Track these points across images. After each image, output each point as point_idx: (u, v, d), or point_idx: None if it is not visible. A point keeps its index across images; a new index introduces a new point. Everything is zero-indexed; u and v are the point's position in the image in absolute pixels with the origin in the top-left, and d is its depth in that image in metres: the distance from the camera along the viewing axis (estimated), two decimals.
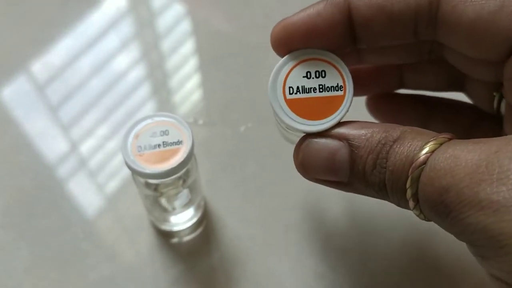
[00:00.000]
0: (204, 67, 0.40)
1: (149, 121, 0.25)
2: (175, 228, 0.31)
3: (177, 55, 0.41)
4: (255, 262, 0.30)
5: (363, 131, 0.17)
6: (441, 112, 0.25)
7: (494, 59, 0.18)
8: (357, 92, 0.22)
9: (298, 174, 0.20)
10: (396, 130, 0.17)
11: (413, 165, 0.16)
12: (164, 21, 0.43)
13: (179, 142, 0.25)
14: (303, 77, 0.20)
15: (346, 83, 0.19)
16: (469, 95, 0.24)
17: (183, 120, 0.25)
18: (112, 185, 0.34)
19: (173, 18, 0.43)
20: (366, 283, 0.30)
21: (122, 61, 0.40)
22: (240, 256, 0.31)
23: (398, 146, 0.17)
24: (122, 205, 0.33)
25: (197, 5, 0.44)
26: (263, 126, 0.35)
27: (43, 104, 0.37)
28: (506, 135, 0.16)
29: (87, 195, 0.33)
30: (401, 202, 0.17)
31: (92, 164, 0.35)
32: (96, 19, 0.42)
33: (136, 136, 0.25)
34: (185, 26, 0.42)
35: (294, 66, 0.20)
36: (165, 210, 0.30)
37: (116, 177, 0.34)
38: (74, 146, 0.35)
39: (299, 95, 0.19)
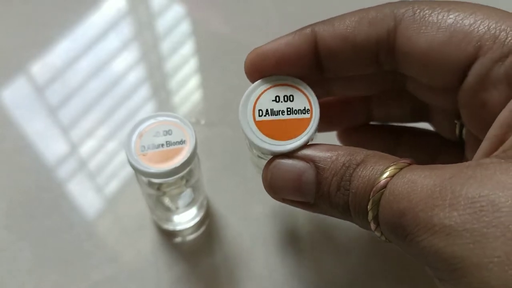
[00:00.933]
0: (203, 68, 0.40)
1: (152, 120, 0.26)
2: (178, 228, 0.31)
3: (177, 56, 0.41)
4: (257, 261, 0.31)
5: (328, 154, 0.18)
6: (408, 140, 0.26)
7: (447, 87, 0.19)
8: (327, 128, 0.25)
9: None
10: (360, 153, 0.18)
11: (374, 188, 0.16)
12: (163, 22, 0.43)
13: (182, 142, 0.25)
14: (272, 100, 0.21)
15: (313, 107, 0.20)
16: (432, 124, 0.26)
17: (186, 120, 0.26)
18: (113, 185, 0.34)
19: (172, 19, 0.43)
20: (367, 281, 0.30)
21: (121, 62, 0.40)
22: (243, 255, 0.31)
23: (361, 169, 0.17)
24: (123, 205, 0.33)
25: (196, 6, 0.44)
26: None
27: (44, 105, 0.37)
28: (467, 161, 0.17)
29: (88, 196, 0.33)
30: (364, 223, 0.17)
31: (93, 164, 0.35)
32: (95, 20, 0.42)
33: (140, 135, 0.25)
34: (185, 27, 0.42)
35: (264, 91, 0.21)
36: (168, 209, 0.30)
37: (117, 177, 0.34)
38: (74, 147, 0.35)
39: (268, 117, 0.20)
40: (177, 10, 0.43)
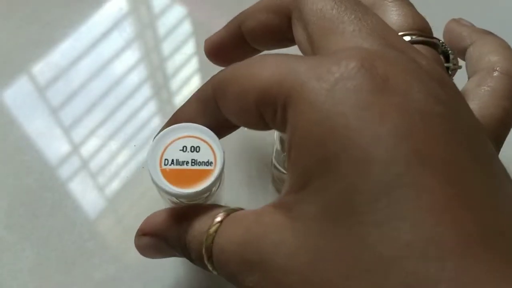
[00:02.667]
0: (204, 68, 0.40)
1: (182, 131, 0.23)
2: None
3: (178, 56, 0.41)
4: None
5: (165, 226, 0.22)
6: None
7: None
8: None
9: None
10: (183, 224, 0.21)
11: (205, 242, 0.19)
12: (165, 22, 0.43)
13: (208, 163, 0.23)
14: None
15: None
16: None
17: (217, 138, 0.23)
18: (115, 185, 0.34)
19: (174, 19, 0.43)
20: None
21: (123, 62, 0.40)
22: None
23: (191, 233, 0.20)
24: (125, 204, 0.33)
25: (197, 7, 0.44)
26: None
27: (46, 105, 0.37)
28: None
29: (90, 195, 0.33)
30: (204, 266, 0.20)
31: (95, 164, 0.34)
32: (97, 20, 0.42)
33: (166, 147, 0.23)
34: (186, 27, 0.42)
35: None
36: None
37: (119, 176, 0.34)
38: (76, 147, 0.35)
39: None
40: (178, 10, 0.43)
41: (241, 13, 0.25)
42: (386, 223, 0.13)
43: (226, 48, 0.26)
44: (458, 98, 0.16)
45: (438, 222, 0.13)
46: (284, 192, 0.17)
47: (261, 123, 0.19)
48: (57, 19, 0.42)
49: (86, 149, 0.35)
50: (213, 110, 0.21)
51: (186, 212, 0.21)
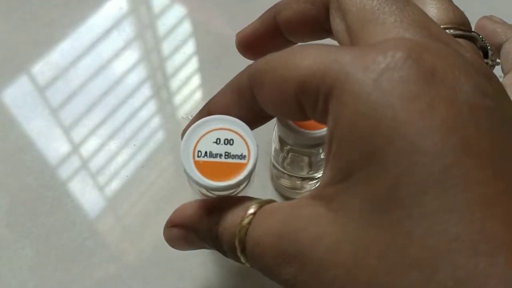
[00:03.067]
0: (204, 68, 0.40)
1: (216, 123, 0.23)
2: None
3: (178, 56, 0.41)
4: None
5: (195, 220, 0.22)
6: None
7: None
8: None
9: None
10: (215, 214, 0.21)
11: (238, 235, 0.19)
12: (164, 22, 0.43)
13: (242, 157, 0.22)
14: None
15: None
16: None
17: (251, 132, 0.23)
18: (115, 184, 0.34)
19: (173, 19, 0.43)
20: None
21: (123, 61, 0.40)
22: None
23: (223, 225, 0.20)
24: (125, 204, 0.33)
25: (197, 7, 0.44)
26: (265, 125, 0.35)
27: (46, 105, 0.37)
28: None
29: (90, 194, 0.33)
30: (236, 259, 0.20)
31: (95, 163, 0.35)
32: (97, 20, 0.42)
33: (199, 138, 0.23)
34: (186, 27, 0.42)
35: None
36: None
37: (119, 176, 0.34)
38: (76, 146, 0.35)
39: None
40: (178, 10, 0.43)
41: (276, 4, 0.24)
42: (434, 216, 0.13)
43: (260, 39, 0.26)
44: (503, 92, 0.16)
45: (488, 216, 0.13)
46: (323, 184, 0.17)
47: (300, 113, 0.18)
48: (57, 19, 0.42)
49: (86, 149, 0.35)
50: (249, 101, 0.21)
51: (217, 204, 0.21)
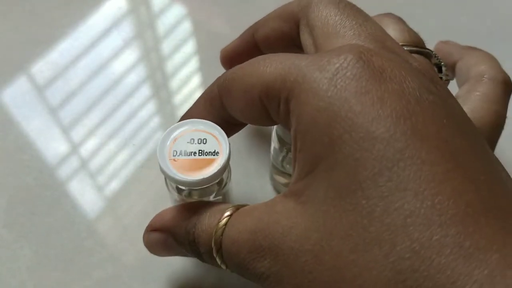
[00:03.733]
0: (204, 67, 0.40)
1: (189, 126, 0.25)
2: None
3: (178, 55, 0.41)
4: None
5: (173, 223, 0.23)
6: None
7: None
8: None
9: None
10: (192, 218, 0.22)
11: (214, 236, 0.20)
12: (164, 21, 0.43)
13: (215, 153, 0.24)
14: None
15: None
16: None
17: (223, 131, 0.25)
18: (114, 185, 0.34)
19: (173, 19, 0.43)
20: None
21: (123, 61, 0.40)
22: None
23: (200, 227, 0.21)
24: (125, 204, 0.33)
25: (197, 6, 0.44)
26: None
27: (45, 104, 0.37)
28: None
29: (89, 194, 0.33)
30: (213, 262, 0.21)
31: (94, 163, 0.35)
32: (96, 20, 0.42)
33: (174, 140, 0.24)
34: (186, 26, 0.42)
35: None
36: None
37: (118, 176, 0.34)
38: (76, 146, 0.35)
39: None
40: (178, 9, 0.43)
41: (255, 24, 0.27)
42: (390, 195, 0.14)
43: (240, 56, 0.28)
44: (448, 93, 0.18)
45: (439, 191, 0.14)
46: (293, 181, 0.18)
47: (266, 118, 0.20)
48: (56, 19, 0.42)
49: (86, 148, 0.35)
50: (219, 109, 0.23)
51: (195, 208, 0.22)
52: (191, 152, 0.24)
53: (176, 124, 0.25)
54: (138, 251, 0.31)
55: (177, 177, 0.23)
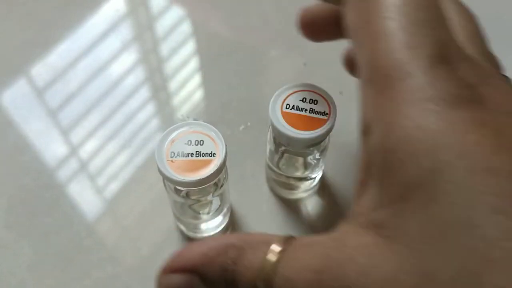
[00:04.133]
0: (203, 69, 0.41)
1: (186, 128, 0.25)
2: (205, 235, 0.31)
3: (176, 57, 0.41)
4: None
5: (203, 258, 0.18)
6: None
7: None
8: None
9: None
10: (232, 247, 0.17)
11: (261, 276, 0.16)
12: (163, 23, 0.43)
13: (212, 154, 0.25)
14: (300, 100, 0.27)
15: (331, 112, 0.26)
16: None
17: (219, 133, 0.25)
18: (113, 186, 0.34)
19: (172, 21, 0.43)
20: None
21: (122, 63, 0.40)
22: None
23: (241, 264, 0.17)
24: (123, 205, 0.33)
25: (195, 8, 0.44)
26: (261, 126, 0.35)
27: (44, 106, 0.38)
28: None
29: (89, 195, 0.34)
30: None
31: (93, 165, 0.35)
32: (95, 22, 0.42)
33: (172, 141, 0.25)
34: (184, 28, 0.43)
35: (295, 92, 0.27)
36: (194, 217, 0.30)
37: (117, 178, 0.34)
38: (75, 147, 0.36)
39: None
40: (176, 11, 0.44)
41: None
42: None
43: (322, 22, 0.24)
44: None
45: None
46: (366, 209, 0.15)
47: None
48: (55, 21, 0.42)
49: (85, 150, 0.35)
50: None
51: (230, 240, 0.18)
52: (189, 153, 0.25)
53: (174, 126, 0.26)
54: (137, 252, 0.31)
55: (174, 178, 0.24)
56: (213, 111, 0.37)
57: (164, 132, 0.25)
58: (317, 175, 0.32)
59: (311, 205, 0.33)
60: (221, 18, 0.44)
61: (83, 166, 0.35)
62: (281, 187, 0.33)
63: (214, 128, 0.26)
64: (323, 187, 0.34)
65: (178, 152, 0.25)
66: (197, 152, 0.25)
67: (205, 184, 0.25)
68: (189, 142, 0.25)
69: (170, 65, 0.41)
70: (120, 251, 0.31)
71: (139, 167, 0.35)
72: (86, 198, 0.33)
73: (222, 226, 0.31)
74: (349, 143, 0.35)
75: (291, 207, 0.33)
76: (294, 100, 0.27)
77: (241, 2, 0.44)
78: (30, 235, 0.32)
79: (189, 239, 0.31)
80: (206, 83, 0.40)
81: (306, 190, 0.33)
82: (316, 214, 0.33)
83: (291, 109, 0.27)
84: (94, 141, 0.36)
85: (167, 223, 0.32)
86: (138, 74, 0.40)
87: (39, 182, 0.34)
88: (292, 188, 0.33)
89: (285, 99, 0.27)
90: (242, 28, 0.42)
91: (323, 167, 0.32)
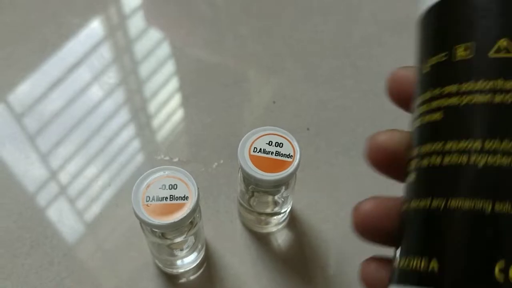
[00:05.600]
0: (182, 90, 0.42)
1: (161, 173, 0.28)
2: (180, 271, 0.33)
3: (156, 78, 0.42)
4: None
5: None
6: None
7: None
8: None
9: None
10: None
11: None
12: (141, 46, 0.44)
13: (185, 198, 0.27)
14: (266, 143, 0.29)
15: (295, 154, 0.29)
16: None
17: (191, 177, 0.27)
18: (94, 211, 0.35)
19: (150, 43, 0.44)
20: None
21: (101, 86, 0.41)
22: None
23: None
24: (106, 229, 0.35)
25: (173, 31, 0.46)
26: (234, 162, 0.37)
27: (21, 134, 0.39)
28: None
29: (69, 221, 0.35)
30: None
31: (73, 189, 0.36)
32: (74, 46, 0.43)
33: (147, 186, 0.27)
34: (163, 50, 0.44)
35: (262, 135, 0.29)
36: (171, 254, 0.31)
37: (97, 201, 0.36)
38: (54, 174, 0.37)
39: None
40: (154, 34, 0.45)
41: None
42: None
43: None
44: None
45: None
46: None
47: None
48: (33, 45, 0.43)
49: (63, 177, 0.37)
50: None
51: None
52: (163, 197, 0.27)
53: (149, 171, 0.28)
54: (118, 281, 0.33)
55: (149, 221, 0.26)
56: (187, 149, 0.39)
57: (140, 177, 0.27)
58: (287, 209, 0.34)
59: (282, 238, 0.35)
60: (199, 40, 0.45)
61: (63, 191, 0.36)
62: (252, 222, 0.35)
63: (187, 173, 0.28)
64: (293, 220, 0.35)
65: (153, 197, 0.27)
66: (171, 196, 0.27)
67: (179, 226, 0.27)
68: (164, 187, 0.27)
69: (149, 87, 0.42)
70: (101, 282, 0.33)
71: (120, 190, 0.36)
72: (68, 225, 0.35)
73: (198, 261, 0.33)
74: (317, 177, 0.37)
75: (263, 240, 0.35)
76: (261, 144, 0.29)
77: (219, 25, 0.46)
78: (12, 277, 0.33)
79: (166, 274, 0.33)
80: (185, 104, 0.41)
81: (276, 224, 0.35)
82: (286, 246, 0.35)
83: (258, 152, 0.29)
84: (73, 167, 0.37)
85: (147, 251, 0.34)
86: (118, 97, 0.41)
87: (19, 223, 0.35)
88: (263, 223, 0.34)
89: (252, 143, 0.29)
90: (220, 51, 0.44)
91: (291, 202, 0.34)
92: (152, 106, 0.42)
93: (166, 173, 0.28)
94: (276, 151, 0.29)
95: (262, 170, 0.28)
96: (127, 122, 0.40)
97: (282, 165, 0.28)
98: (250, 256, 0.34)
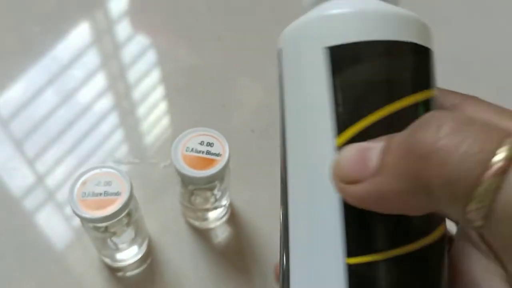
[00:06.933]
0: (170, 95, 0.43)
1: (97, 171, 0.30)
2: (121, 264, 0.35)
3: (144, 83, 0.44)
4: None
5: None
6: None
7: None
8: None
9: None
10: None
11: (486, 173, 0.12)
12: (129, 51, 0.46)
13: (118, 194, 0.29)
14: (198, 143, 0.31)
15: (224, 153, 0.31)
16: None
17: (126, 174, 0.30)
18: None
19: (137, 49, 0.46)
20: None
21: (89, 91, 0.43)
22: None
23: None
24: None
25: (161, 37, 0.47)
26: None
27: (8, 138, 0.40)
28: None
29: (59, 227, 0.36)
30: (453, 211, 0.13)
31: (62, 194, 0.38)
32: (61, 51, 0.45)
33: (84, 183, 0.29)
34: (151, 55, 0.46)
35: (194, 136, 0.31)
36: (111, 248, 0.33)
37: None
38: (41, 178, 0.38)
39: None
40: (141, 39, 0.47)
41: None
42: None
43: None
44: None
45: None
46: None
47: None
48: (20, 51, 0.45)
49: (51, 181, 0.38)
50: None
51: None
52: (98, 193, 0.29)
53: (85, 170, 0.30)
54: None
55: (84, 215, 0.29)
56: (140, 149, 0.41)
57: (76, 175, 0.30)
58: (226, 202, 0.36)
59: (221, 232, 0.37)
60: (186, 45, 0.47)
61: (51, 197, 0.38)
62: (194, 219, 0.37)
63: (122, 170, 0.30)
64: (232, 216, 0.38)
65: (89, 193, 0.29)
66: (105, 192, 0.29)
67: (113, 219, 0.29)
68: (99, 183, 0.30)
69: (137, 92, 0.44)
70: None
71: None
72: (54, 233, 0.36)
73: (140, 255, 0.35)
74: (252, 176, 0.39)
75: (204, 235, 0.37)
76: (193, 143, 0.31)
77: (206, 30, 0.47)
78: None
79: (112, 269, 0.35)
80: (173, 109, 0.43)
81: (217, 219, 0.37)
82: (225, 240, 0.37)
83: (190, 151, 0.31)
84: (62, 169, 0.38)
85: None
86: (106, 101, 0.43)
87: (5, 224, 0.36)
88: (204, 218, 0.37)
89: (186, 143, 0.31)
90: (208, 56, 0.45)
91: (229, 195, 0.36)
92: (141, 103, 0.43)
93: (103, 170, 0.30)
94: (207, 150, 0.31)
95: (193, 168, 0.30)
96: (117, 125, 0.42)
97: (212, 163, 0.31)
98: (191, 251, 0.36)
